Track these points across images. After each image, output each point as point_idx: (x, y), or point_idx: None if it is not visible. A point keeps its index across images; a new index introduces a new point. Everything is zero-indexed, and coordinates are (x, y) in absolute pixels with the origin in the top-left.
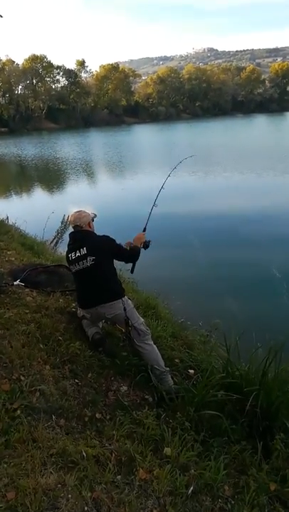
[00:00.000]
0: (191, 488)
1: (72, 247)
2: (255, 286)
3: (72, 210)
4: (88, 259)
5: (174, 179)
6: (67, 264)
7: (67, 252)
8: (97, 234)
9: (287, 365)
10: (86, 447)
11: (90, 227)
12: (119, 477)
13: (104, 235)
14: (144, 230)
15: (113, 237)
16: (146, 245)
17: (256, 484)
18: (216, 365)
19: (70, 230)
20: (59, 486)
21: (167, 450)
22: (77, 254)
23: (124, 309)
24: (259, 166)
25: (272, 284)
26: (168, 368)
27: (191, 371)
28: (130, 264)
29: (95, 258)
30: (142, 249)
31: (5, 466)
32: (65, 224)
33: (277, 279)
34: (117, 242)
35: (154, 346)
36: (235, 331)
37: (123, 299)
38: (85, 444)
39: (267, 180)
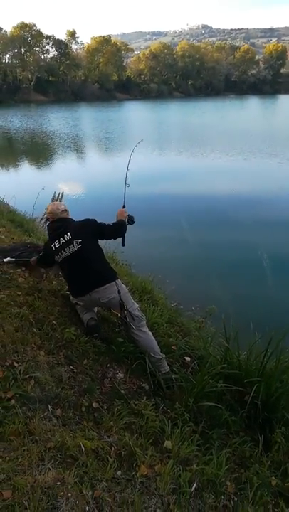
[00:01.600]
0: (194, 485)
1: (54, 235)
2: (246, 269)
3: (63, 187)
4: (74, 243)
5: (161, 159)
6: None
7: (49, 242)
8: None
9: (287, 355)
10: (84, 440)
11: (67, 214)
12: (119, 473)
13: (83, 219)
14: (124, 207)
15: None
16: (130, 220)
17: (259, 481)
18: (214, 353)
19: None
20: (58, 483)
21: (168, 443)
22: (62, 241)
23: (119, 292)
24: (248, 148)
25: (261, 267)
26: (164, 355)
27: (188, 358)
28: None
29: (82, 241)
30: (128, 225)
31: (0, 461)
32: (55, 201)
33: (265, 261)
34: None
35: (149, 333)
36: (231, 316)
37: (116, 281)
38: (83, 436)
39: (254, 163)
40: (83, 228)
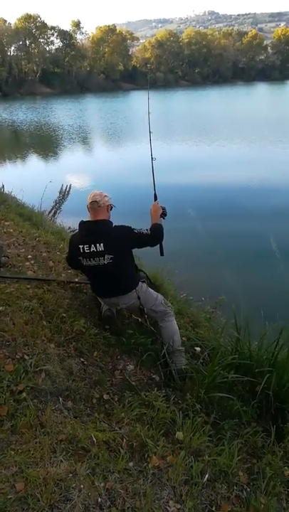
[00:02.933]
0: (206, 475)
1: (86, 239)
2: (256, 258)
3: (71, 179)
4: (106, 257)
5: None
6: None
7: (78, 242)
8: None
9: None
10: (96, 432)
11: (108, 211)
12: (131, 464)
13: (120, 226)
14: (156, 198)
15: (128, 225)
16: (164, 214)
17: (272, 471)
18: (225, 343)
19: (69, 200)
20: (70, 475)
21: (179, 434)
22: (92, 249)
23: (139, 298)
24: (257, 138)
25: (271, 256)
26: (182, 348)
27: (198, 349)
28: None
29: (113, 257)
30: (162, 220)
31: (12, 453)
32: (63, 194)
33: (275, 250)
34: (135, 229)
35: (173, 324)
36: (241, 307)
37: (137, 288)
38: (94, 428)
39: (266, 151)
40: (118, 241)
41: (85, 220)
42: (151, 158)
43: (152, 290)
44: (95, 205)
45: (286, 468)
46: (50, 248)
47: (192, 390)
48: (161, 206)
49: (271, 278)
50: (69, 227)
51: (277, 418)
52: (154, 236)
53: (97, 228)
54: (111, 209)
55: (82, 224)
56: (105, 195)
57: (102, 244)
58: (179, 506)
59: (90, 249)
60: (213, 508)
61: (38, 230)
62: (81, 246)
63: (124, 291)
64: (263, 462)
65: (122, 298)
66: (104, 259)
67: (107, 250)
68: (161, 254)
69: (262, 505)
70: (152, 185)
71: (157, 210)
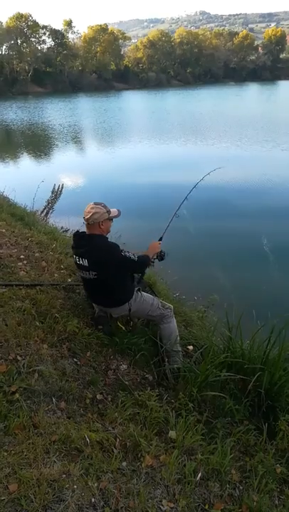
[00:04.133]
0: (199, 474)
1: (75, 251)
2: (248, 258)
3: (63, 179)
4: (90, 273)
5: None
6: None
7: (73, 252)
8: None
9: None
10: (89, 432)
11: (100, 227)
12: (124, 464)
13: (109, 244)
14: (161, 240)
15: (117, 245)
16: (161, 257)
17: (264, 469)
18: (217, 342)
19: (62, 199)
20: (63, 476)
21: (172, 433)
22: (80, 262)
23: (129, 310)
24: (247, 137)
25: (263, 256)
26: (180, 349)
27: (190, 347)
28: None
29: (97, 274)
30: (156, 261)
31: (5, 454)
32: (55, 193)
33: (267, 250)
34: (123, 250)
35: (171, 325)
36: (233, 305)
37: (130, 300)
38: (87, 428)
39: (255, 152)
40: (103, 259)
41: (80, 230)
42: (174, 214)
43: (148, 295)
44: (86, 220)
45: (278, 465)
46: (43, 248)
47: (185, 389)
48: (162, 251)
49: (263, 277)
50: (62, 227)
51: (268, 416)
52: (139, 265)
53: (84, 243)
54: (112, 220)
55: (74, 235)
56: (97, 212)
57: (86, 261)
58: (172, 505)
59: (78, 261)
60: (206, 507)
61: (30, 230)
62: (74, 256)
63: (115, 304)
64: (255, 460)
65: (113, 309)
66: (89, 274)
67: (91, 267)
68: (139, 281)
69: (254, 503)
70: (164, 229)
71: (155, 247)
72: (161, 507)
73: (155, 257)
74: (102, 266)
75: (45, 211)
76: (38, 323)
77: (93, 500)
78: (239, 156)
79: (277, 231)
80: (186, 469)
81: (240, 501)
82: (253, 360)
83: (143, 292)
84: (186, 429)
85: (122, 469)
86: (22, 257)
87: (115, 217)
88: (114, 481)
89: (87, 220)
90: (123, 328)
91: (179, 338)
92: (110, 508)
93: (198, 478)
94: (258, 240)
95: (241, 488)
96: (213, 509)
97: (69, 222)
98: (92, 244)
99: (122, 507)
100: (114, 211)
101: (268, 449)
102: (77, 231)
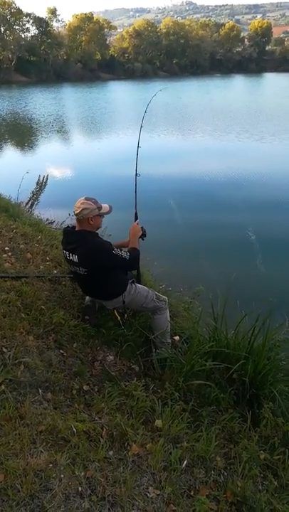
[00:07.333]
0: (185, 461)
1: (65, 247)
2: (233, 249)
3: (48, 169)
4: (80, 269)
5: (147, 139)
6: None
7: (63, 246)
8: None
9: (274, 333)
10: (76, 422)
11: (89, 223)
12: (111, 453)
13: (100, 242)
14: (137, 217)
15: (109, 242)
16: (143, 235)
17: (248, 455)
18: (202, 332)
19: (47, 190)
20: (50, 465)
21: (158, 422)
22: (70, 257)
23: (124, 302)
24: (234, 129)
25: (249, 248)
26: (170, 341)
27: (176, 337)
28: None
29: (87, 270)
30: (140, 240)
31: None
32: (40, 185)
33: (252, 241)
34: (114, 249)
35: (164, 316)
36: (218, 296)
37: (124, 293)
38: (74, 418)
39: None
40: (92, 255)
41: (69, 224)
42: (136, 175)
43: (143, 287)
44: (76, 215)
45: (261, 452)
46: (28, 240)
47: (171, 379)
48: (141, 226)
49: (247, 268)
50: (47, 219)
51: (253, 404)
52: (130, 264)
53: (74, 239)
54: (103, 217)
55: (64, 230)
56: (86, 208)
57: (76, 256)
58: (158, 492)
59: (69, 256)
60: (192, 493)
61: (15, 221)
62: (64, 251)
63: (108, 297)
64: (240, 447)
65: (107, 302)
66: (80, 270)
67: (81, 263)
68: (138, 281)
69: (238, 488)
70: (134, 204)
71: (136, 232)
72: (148, 494)
73: (140, 239)
74: (92, 263)
75: (30, 203)
76: (23, 315)
77: (80, 488)
78: (229, 149)
79: (262, 222)
80: (171, 457)
81: (224, 487)
82: (238, 350)
83: (138, 284)
84: (172, 418)
85: (108, 458)
86: (7, 248)
87: (106, 213)
88: (101, 469)
89: (76, 215)
90: (119, 318)
91: (170, 329)
92: (97, 496)
93: (183, 465)
94: (243, 232)
95: (226, 474)
96: (199, 495)
97: (54, 213)
98: (84, 240)
99: (108, 495)
100: (105, 207)
101: (252, 436)
102: (68, 226)
